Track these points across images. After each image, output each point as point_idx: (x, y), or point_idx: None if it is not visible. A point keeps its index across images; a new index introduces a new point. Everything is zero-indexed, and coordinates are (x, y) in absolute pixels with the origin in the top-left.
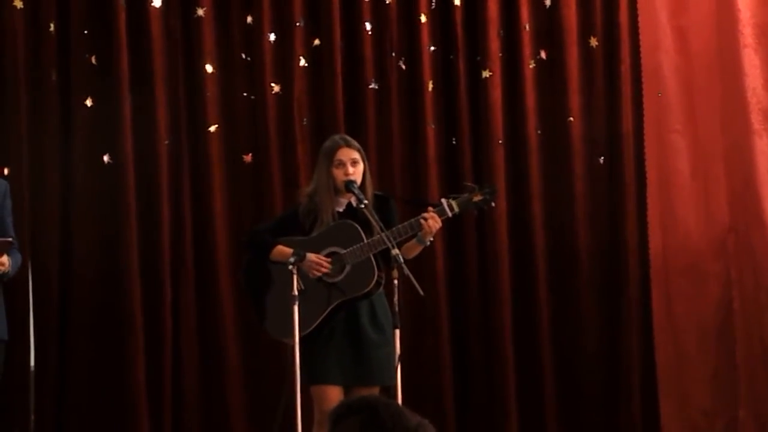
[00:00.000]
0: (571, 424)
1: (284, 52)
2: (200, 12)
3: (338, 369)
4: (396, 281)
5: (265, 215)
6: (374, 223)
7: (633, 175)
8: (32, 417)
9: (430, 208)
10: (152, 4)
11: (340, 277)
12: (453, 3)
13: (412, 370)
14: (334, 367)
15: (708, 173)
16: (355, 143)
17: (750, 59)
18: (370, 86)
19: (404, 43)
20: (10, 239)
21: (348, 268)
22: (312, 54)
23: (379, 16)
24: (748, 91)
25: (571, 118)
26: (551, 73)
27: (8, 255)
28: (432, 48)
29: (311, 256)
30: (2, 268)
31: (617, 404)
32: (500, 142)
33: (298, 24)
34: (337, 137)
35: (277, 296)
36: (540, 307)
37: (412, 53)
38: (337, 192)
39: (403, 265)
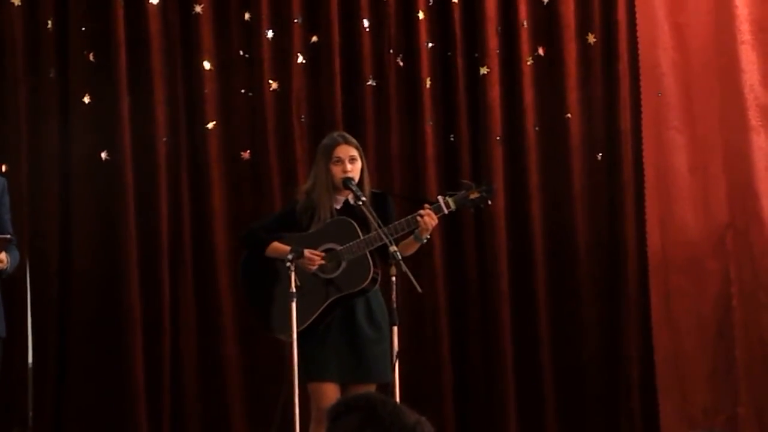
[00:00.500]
0: (570, 422)
1: (282, 49)
2: (198, 9)
3: (335, 366)
4: (394, 278)
5: (264, 212)
6: (372, 220)
7: (631, 171)
8: (30, 414)
9: (427, 205)
10: (150, 1)
11: (336, 274)
12: (451, 0)
13: (411, 368)
14: (331, 365)
15: (706, 170)
16: (354, 140)
17: (747, 56)
18: (369, 83)
19: (402, 39)
20: (9, 236)
21: (344, 264)
22: (310, 51)
23: (377, 12)
24: (745, 87)
25: (569, 115)
26: (549, 70)
27: (7, 252)
28: (430, 45)
29: (306, 251)
30: (1, 265)
31: (616, 401)
32: (498, 138)
33: (296, 21)
34: (335, 134)
35: (273, 293)
36: (539, 304)
37: (411, 50)
38: (334, 189)
39: (401, 262)
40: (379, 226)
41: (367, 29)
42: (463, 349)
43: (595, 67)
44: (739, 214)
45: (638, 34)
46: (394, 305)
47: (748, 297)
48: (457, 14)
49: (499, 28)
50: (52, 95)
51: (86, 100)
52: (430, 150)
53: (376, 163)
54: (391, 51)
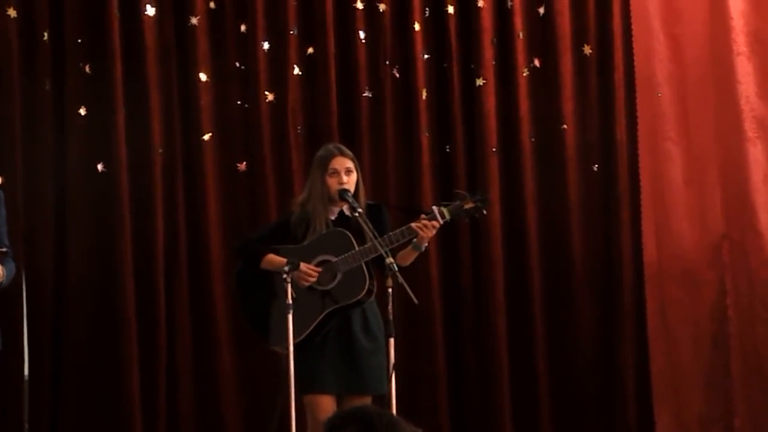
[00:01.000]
0: None
1: (278, 60)
2: (194, 21)
3: (331, 378)
4: (390, 289)
5: (260, 223)
6: (367, 231)
7: (627, 182)
8: (26, 426)
9: (422, 216)
10: (146, 13)
11: (332, 285)
12: (447, 11)
13: (407, 379)
14: (327, 376)
15: (702, 181)
16: (349, 152)
17: (743, 67)
18: (364, 94)
19: (398, 51)
20: (5, 249)
21: (340, 276)
22: (306, 62)
23: (373, 24)
24: (741, 99)
25: (565, 126)
26: (545, 81)
27: (3, 265)
28: (426, 56)
29: (302, 265)
30: None
31: (612, 412)
32: (494, 150)
33: (291, 32)
34: (330, 146)
35: (269, 304)
36: (534, 315)
37: (406, 61)
38: (330, 200)
39: (397, 274)
40: (375, 237)
41: (363, 41)
42: (458, 360)
43: (591, 78)
44: (736, 226)
45: (634, 45)
46: (390, 316)
47: (744, 308)
48: (452, 25)
49: (495, 39)
50: (47, 107)
51: (82, 111)
52: (426, 161)
53: (371, 173)
54: (387, 62)
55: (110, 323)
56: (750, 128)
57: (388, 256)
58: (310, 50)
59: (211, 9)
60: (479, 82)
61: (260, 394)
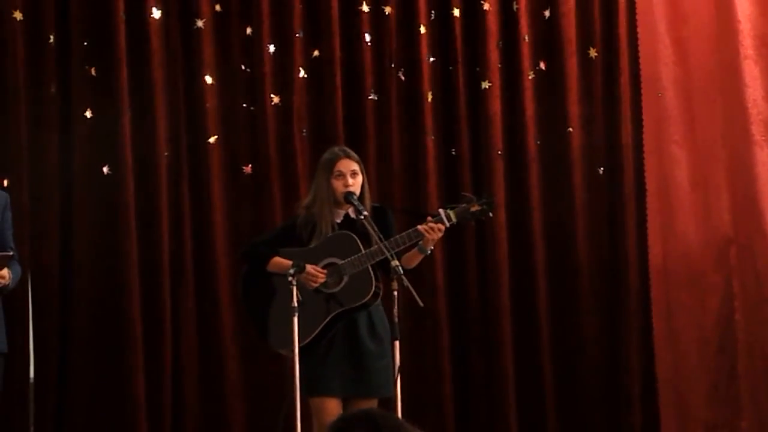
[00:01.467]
0: None
1: (284, 63)
2: (200, 23)
3: (337, 381)
4: (395, 292)
5: (265, 226)
6: (373, 234)
7: (632, 185)
8: (31, 429)
9: (429, 218)
10: (152, 16)
11: (338, 288)
12: (452, 14)
13: (412, 382)
14: (333, 379)
15: (708, 184)
16: (355, 155)
17: (750, 70)
18: (370, 97)
19: (404, 54)
20: (11, 253)
21: (346, 278)
22: (311, 65)
23: (379, 27)
24: (748, 102)
25: (571, 129)
26: (550, 84)
27: (8, 268)
28: (431, 59)
29: (308, 267)
30: (2, 281)
31: (618, 416)
32: (500, 153)
33: (297, 35)
34: (336, 149)
35: (275, 308)
36: (540, 318)
37: (412, 64)
38: (335, 203)
39: (403, 277)
40: (381, 240)
41: (369, 43)
42: (464, 363)
43: (597, 82)
44: (743, 229)
45: (639, 48)
46: (396, 319)
47: (751, 311)
48: (458, 28)
49: (501, 42)
50: (53, 110)
51: (88, 114)
52: (431, 164)
53: (377, 176)
54: (393, 65)
55: (116, 326)
56: (758, 131)
57: (393, 259)
58: (316, 53)
59: (216, 12)
60: (485, 85)
61: (266, 398)
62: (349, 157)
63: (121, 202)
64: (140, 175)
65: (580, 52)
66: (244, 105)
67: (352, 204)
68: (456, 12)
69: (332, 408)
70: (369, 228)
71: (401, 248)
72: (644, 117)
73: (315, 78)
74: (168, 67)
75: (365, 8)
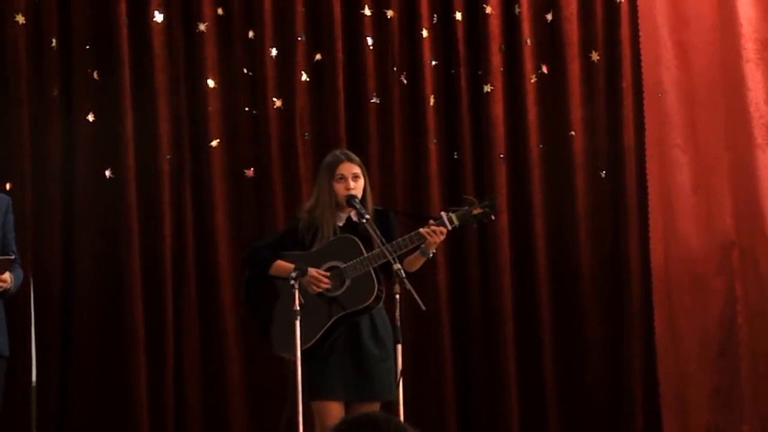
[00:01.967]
0: None
1: (286, 66)
2: (202, 27)
3: (339, 384)
4: (397, 296)
5: (267, 230)
6: (375, 237)
7: (634, 189)
8: None
9: (431, 221)
10: (154, 19)
11: (340, 292)
12: (454, 18)
13: (414, 386)
14: (335, 383)
15: (710, 188)
16: (356, 158)
17: (752, 74)
18: (372, 101)
19: (406, 57)
20: (12, 257)
21: (348, 282)
22: (314, 69)
23: (381, 30)
24: (751, 105)
25: (573, 133)
26: (553, 88)
27: (10, 272)
28: (433, 62)
29: (311, 271)
30: (4, 285)
31: (620, 419)
32: (502, 156)
33: (299, 39)
34: (338, 152)
35: (277, 311)
36: (542, 321)
37: (414, 68)
38: (337, 206)
39: (405, 280)
40: (383, 244)
41: (371, 47)
42: (466, 367)
43: (599, 85)
44: (745, 232)
45: (642, 51)
46: (398, 323)
47: (754, 315)
48: (460, 32)
49: (503, 45)
50: (55, 113)
51: (90, 118)
52: (434, 167)
53: (379, 180)
54: (395, 69)
55: (118, 330)
56: (760, 135)
57: (395, 263)
58: (318, 57)
59: (219, 15)
60: (487, 88)
61: (268, 401)
62: (350, 160)
63: (123, 206)
64: (142, 179)
65: (582, 56)
66: (247, 108)
67: (354, 207)
68: (458, 15)
69: (335, 411)
70: (371, 231)
71: (403, 251)
72: (646, 120)
73: (317, 81)
74: (170, 71)
75: (367, 12)
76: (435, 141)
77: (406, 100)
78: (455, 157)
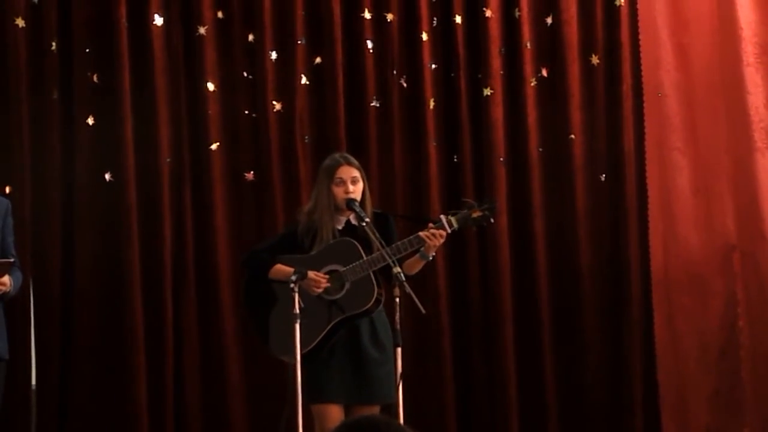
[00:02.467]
0: None
1: (286, 70)
2: (202, 30)
3: (339, 387)
4: (397, 299)
5: (267, 233)
6: (375, 240)
7: (634, 192)
8: None
9: (430, 225)
10: (154, 23)
11: (340, 295)
12: (454, 21)
13: (414, 389)
14: (335, 386)
15: (710, 191)
16: (355, 161)
17: (752, 77)
18: (372, 104)
19: (405, 60)
20: (12, 260)
21: (348, 285)
22: (313, 72)
23: (381, 34)
24: (751, 109)
25: (573, 136)
26: (552, 91)
27: (9, 275)
28: (433, 66)
29: (310, 273)
30: (3, 288)
31: (620, 421)
32: (501, 159)
33: (299, 42)
34: (337, 155)
35: (277, 314)
36: (542, 324)
37: (414, 71)
38: (337, 210)
39: (405, 283)
40: (383, 247)
41: (371, 50)
42: (466, 369)
43: (599, 88)
44: (746, 235)
45: (641, 55)
46: (398, 326)
47: (755, 317)
48: (460, 35)
49: (503, 48)
50: (55, 116)
51: (90, 121)
52: (434, 170)
53: (379, 183)
54: (395, 72)
55: (117, 332)
56: (760, 138)
57: (395, 266)
58: (318, 60)
59: (219, 18)
60: (487, 91)
61: (268, 404)
62: (349, 163)
63: (123, 209)
64: (142, 182)
65: (582, 59)
66: (246, 111)
67: (353, 210)
68: (458, 19)
69: (334, 414)
70: (370, 234)
71: (403, 255)
72: (646, 124)
73: (317, 85)
74: (170, 74)
75: (367, 15)
76: (435, 144)
77: (405, 103)
78: (455, 160)
